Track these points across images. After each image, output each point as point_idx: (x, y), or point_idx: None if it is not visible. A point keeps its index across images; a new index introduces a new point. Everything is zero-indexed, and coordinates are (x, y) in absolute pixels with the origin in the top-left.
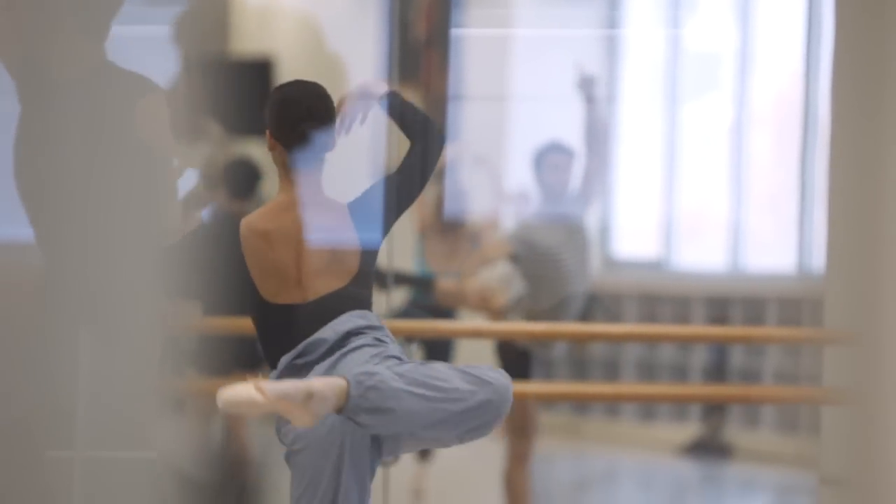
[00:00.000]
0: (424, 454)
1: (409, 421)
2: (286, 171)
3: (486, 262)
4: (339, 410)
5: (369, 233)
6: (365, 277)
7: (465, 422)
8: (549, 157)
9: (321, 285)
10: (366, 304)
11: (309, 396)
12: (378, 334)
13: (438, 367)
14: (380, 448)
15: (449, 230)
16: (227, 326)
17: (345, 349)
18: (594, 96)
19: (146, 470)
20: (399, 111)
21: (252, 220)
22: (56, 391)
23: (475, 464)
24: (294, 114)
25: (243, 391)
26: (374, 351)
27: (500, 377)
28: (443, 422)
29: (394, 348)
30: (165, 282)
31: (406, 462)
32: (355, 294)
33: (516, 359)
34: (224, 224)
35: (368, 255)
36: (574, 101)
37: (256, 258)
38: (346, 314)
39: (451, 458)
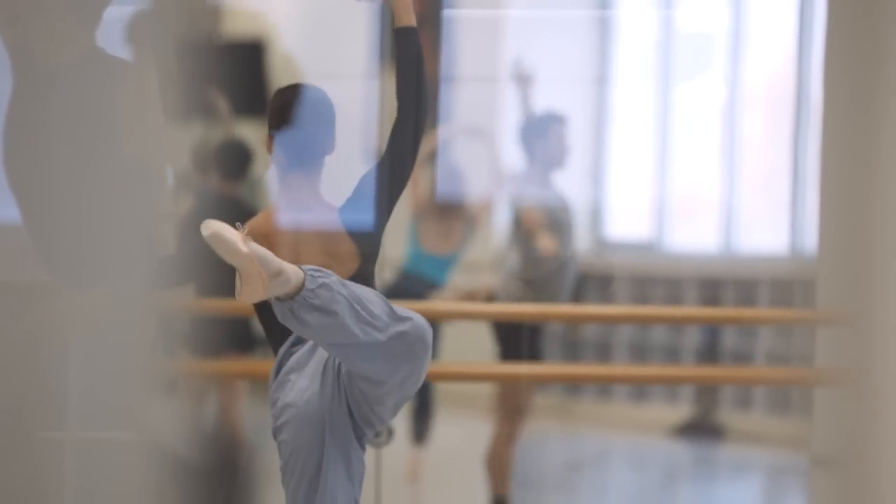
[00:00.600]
0: (419, 437)
1: (344, 333)
2: (283, 173)
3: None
4: (291, 298)
5: (365, 230)
6: (363, 275)
7: (390, 353)
8: (554, 128)
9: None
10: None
11: (277, 274)
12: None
13: (370, 295)
14: (356, 420)
15: (443, 211)
16: (220, 307)
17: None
18: (528, 93)
19: (138, 451)
20: (404, 52)
21: (255, 223)
22: (47, 373)
23: (469, 448)
24: (286, 115)
25: (231, 234)
26: None
27: (417, 317)
28: (369, 346)
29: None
30: (157, 263)
31: (400, 446)
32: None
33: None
34: (216, 205)
35: (366, 254)
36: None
37: None
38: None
39: (445, 441)
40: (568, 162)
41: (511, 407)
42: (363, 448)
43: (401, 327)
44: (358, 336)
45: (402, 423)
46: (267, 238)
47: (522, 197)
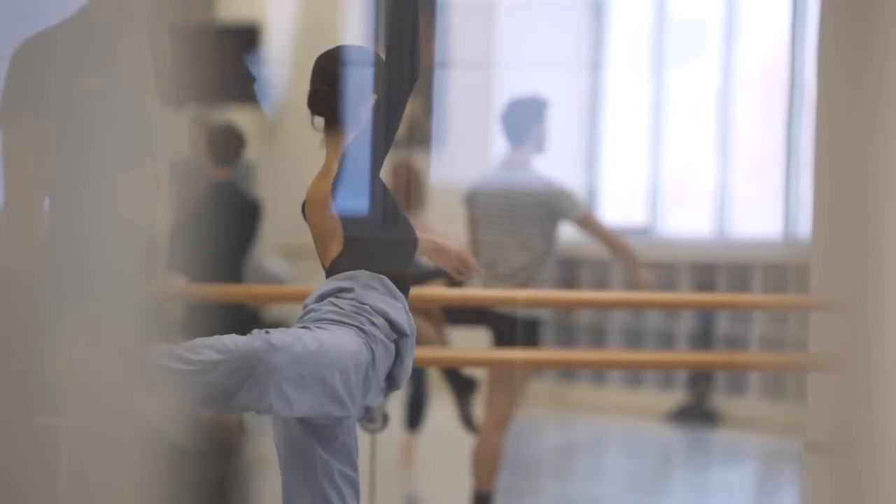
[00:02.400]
0: (413, 423)
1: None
2: (321, 139)
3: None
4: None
5: (353, 198)
6: (354, 246)
7: (232, 384)
8: (536, 112)
9: (328, 253)
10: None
11: None
12: (342, 299)
13: (198, 341)
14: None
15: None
16: (215, 294)
17: (303, 316)
18: None
19: (133, 437)
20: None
21: (308, 189)
22: (41, 358)
23: (462, 433)
24: (315, 78)
25: None
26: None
27: (251, 342)
28: (205, 389)
29: (329, 312)
30: (153, 248)
31: (395, 431)
32: (345, 264)
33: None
34: (209, 191)
35: (352, 224)
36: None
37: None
38: (332, 277)
39: (438, 426)
40: (547, 147)
41: (503, 393)
42: (349, 423)
43: (220, 357)
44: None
45: (396, 409)
46: (307, 203)
47: (505, 181)
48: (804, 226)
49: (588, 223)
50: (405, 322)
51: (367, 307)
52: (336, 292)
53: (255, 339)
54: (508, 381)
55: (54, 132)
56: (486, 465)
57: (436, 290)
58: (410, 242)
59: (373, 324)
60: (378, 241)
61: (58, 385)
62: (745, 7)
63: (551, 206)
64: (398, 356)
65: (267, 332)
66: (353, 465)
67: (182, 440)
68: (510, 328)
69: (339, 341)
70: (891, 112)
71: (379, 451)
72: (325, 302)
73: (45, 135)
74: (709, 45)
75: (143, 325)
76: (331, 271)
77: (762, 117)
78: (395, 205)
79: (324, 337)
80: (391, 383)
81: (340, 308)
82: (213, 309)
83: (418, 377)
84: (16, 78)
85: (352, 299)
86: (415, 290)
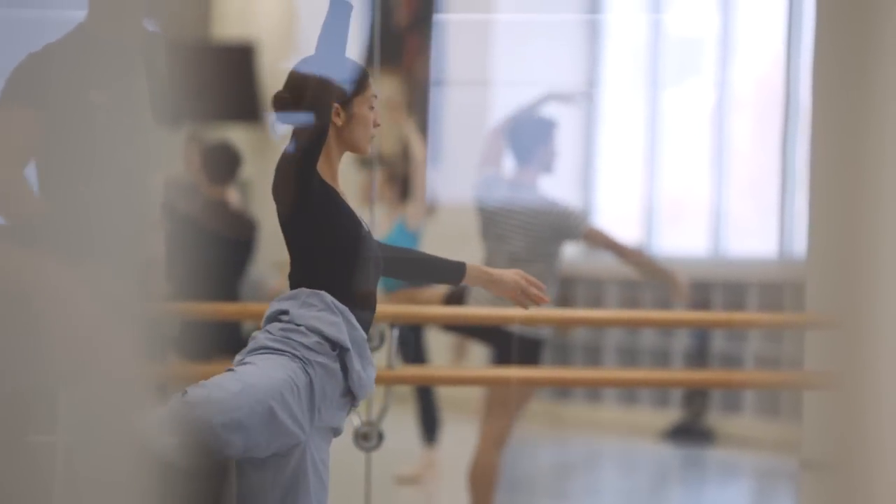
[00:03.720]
0: (429, 438)
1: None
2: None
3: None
4: None
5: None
6: (295, 257)
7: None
8: (548, 132)
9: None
10: (306, 282)
11: None
12: (278, 323)
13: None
14: None
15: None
16: (210, 311)
17: (248, 346)
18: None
19: (128, 455)
20: None
21: None
22: (38, 375)
23: (459, 451)
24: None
25: None
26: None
27: (170, 409)
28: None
29: (262, 340)
30: (147, 266)
31: (390, 449)
32: (295, 277)
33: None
34: (204, 209)
35: (297, 238)
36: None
37: None
38: (276, 297)
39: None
40: (556, 167)
41: (502, 411)
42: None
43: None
44: None
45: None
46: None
47: (510, 200)
48: (800, 244)
49: (595, 237)
50: (343, 336)
51: (301, 329)
52: (276, 315)
53: (173, 404)
54: (508, 398)
55: (45, 123)
56: (483, 483)
57: (432, 309)
58: (368, 258)
59: (306, 346)
60: (329, 255)
61: (53, 403)
62: (741, 25)
63: (558, 226)
64: (346, 369)
65: (184, 393)
66: (313, 490)
67: (177, 459)
68: (524, 347)
69: (266, 373)
70: (887, 130)
71: (374, 468)
72: (263, 330)
73: (36, 122)
74: (704, 63)
75: (139, 343)
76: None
77: (758, 135)
78: (351, 221)
79: (247, 374)
80: (352, 397)
81: (272, 334)
82: (208, 326)
83: (424, 392)
84: (13, 82)
85: (287, 322)
86: (414, 308)
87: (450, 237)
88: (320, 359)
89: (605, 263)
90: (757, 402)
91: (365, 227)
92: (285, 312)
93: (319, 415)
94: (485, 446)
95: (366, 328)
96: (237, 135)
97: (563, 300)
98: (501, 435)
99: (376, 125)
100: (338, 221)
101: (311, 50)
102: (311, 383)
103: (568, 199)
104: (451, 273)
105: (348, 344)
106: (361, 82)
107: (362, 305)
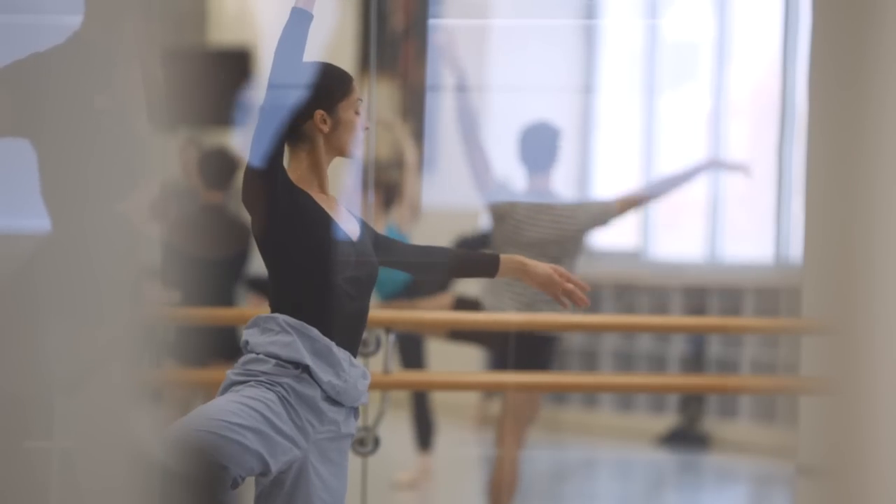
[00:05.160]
0: (423, 444)
1: None
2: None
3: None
4: None
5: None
6: (268, 267)
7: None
8: (552, 138)
9: None
10: (276, 295)
11: None
12: (241, 360)
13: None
14: None
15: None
16: (206, 316)
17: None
18: (464, 83)
19: (124, 461)
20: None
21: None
22: (34, 381)
23: (455, 456)
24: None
25: None
26: None
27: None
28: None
29: (231, 376)
30: (144, 272)
31: (386, 455)
32: (271, 292)
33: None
34: (200, 214)
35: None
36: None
37: None
38: (246, 325)
39: (437, 450)
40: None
41: (523, 416)
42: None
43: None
44: None
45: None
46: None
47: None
48: (796, 249)
49: (623, 204)
50: (299, 354)
51: (260, 356)
52: (244, 347)
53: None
54: (523, 407)
55: (17, 105)
56: (509, 488)
57: (424, 313)
58: (346, 265)
59: (266, 373)
60: (297, 265)
61: (50, 408)
62: (737, 30)
63: (594, 213)
64: (316, 381)
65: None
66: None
67: (174, 465)
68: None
69: (246, 394)
70: (883, 136)
71: (371, 474)
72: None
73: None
74: (700, 68)
75: (135, 349)
76: None
77: (754, 140)
78: (320, 228)
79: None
80: (338, 403)
81: (236, 369)
82: (204, 332)
83: (419, 398)
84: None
85: (249, 352)
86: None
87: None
88: (283, 379)
89: (601, 269)
90: (753, 407)
91: (346, 234)
92: (247, 343)
93: (313, 427)
94: (510, 452)
95: (349, 335)
96: (234, 140)
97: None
98: (522, 440)
99: (364, 129)
100: (302, 232)
101: (311, 52)
102: (283, 398)
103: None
104: (486, 266)
105: (306, 360)
106: (345, 87)
107: (341, 312)
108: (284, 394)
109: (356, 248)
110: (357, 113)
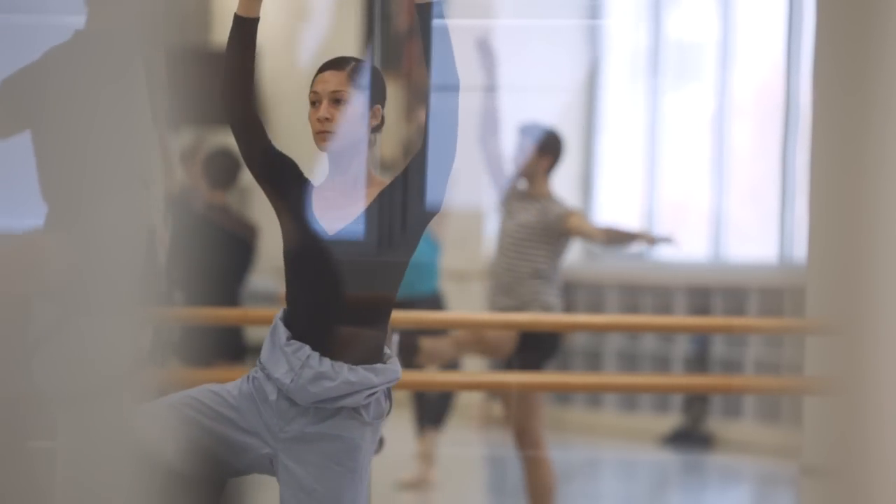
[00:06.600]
0: (436, 421)
1: None
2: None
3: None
4: None
5: None
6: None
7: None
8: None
9: None
10: None
11: None
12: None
13: None
14: None
15: None
16: (211, 316)
17: None
18: (493, 70)
19: (128, 461)
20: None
21: None
22: (38, 381)
23: (459, 456)
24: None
25: None
26: None
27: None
28: None
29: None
30: (150, 271)
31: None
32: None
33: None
34: (204, 214)
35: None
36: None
37: None
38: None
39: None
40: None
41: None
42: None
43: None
44: None
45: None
46: None
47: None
48: (800, 249)
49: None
50: (265, 352)
51: (259, 365)
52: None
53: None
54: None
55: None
56: (550, 490)
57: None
58: (323, 259)
59: (255, 377)
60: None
61: (52, 409)
62: (741, 31)
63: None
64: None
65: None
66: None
67: (178, 465)
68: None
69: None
70: (887, 135)
71: (378, 474)
72: None
73: None
74: (704, 68)
75: (140, 347)
76: None
77: (758, 141)
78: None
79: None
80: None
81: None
82: (209, 332)
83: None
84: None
85: (255, 366)
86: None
87: (451, 241)
88: (258, 373)
89: (605, 269)
90: (757, 407)
91: (323, 229)
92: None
93: (287, 424)
94: (542, 453)
95: (310, 330)
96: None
97: (564, 305)
98: (542, 437)
99: (321, 120)
100: (286, 201)
101: (312, 53)
102: (251, 393)
103: (568, 204)
104: None
105: (263, 357)
106: (315, 75)
107: (297, 303)
108: (250, 386)
109: (329, 245)
110: (312, 103)
